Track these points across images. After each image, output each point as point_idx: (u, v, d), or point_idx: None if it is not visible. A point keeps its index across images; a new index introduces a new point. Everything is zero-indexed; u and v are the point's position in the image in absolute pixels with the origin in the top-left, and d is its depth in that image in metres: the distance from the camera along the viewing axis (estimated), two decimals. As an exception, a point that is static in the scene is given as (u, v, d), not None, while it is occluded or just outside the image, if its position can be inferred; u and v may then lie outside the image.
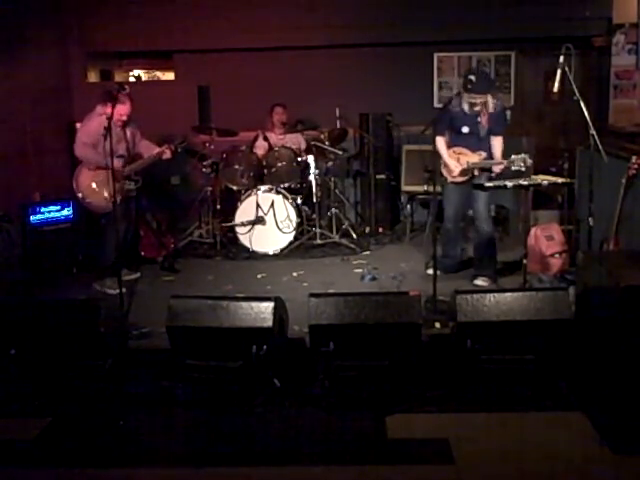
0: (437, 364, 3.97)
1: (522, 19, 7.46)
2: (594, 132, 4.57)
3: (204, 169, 6.79)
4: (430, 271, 5.17)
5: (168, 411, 3.74)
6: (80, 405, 3.78)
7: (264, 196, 6.56)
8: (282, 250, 6.53)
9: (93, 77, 8.40)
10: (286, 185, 6.67)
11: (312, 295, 3.92)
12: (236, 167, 6.71)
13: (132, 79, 9.39)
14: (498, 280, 5.40)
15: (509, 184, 4.70)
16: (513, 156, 4.92)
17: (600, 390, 3.64)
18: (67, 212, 6.12)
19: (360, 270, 5.90)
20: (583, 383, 3.76)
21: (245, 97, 7.59)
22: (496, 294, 3.92)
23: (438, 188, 5.13)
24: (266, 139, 7.01)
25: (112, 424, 3.60)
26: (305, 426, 3.55)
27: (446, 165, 5.33)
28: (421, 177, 6.79)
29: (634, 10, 7.22)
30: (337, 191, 7.20)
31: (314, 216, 6.74)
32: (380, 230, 7.37)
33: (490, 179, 5.15)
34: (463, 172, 5.28)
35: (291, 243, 6.55)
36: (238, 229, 6.57)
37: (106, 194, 5.45)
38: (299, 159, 6.73)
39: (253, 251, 6.53)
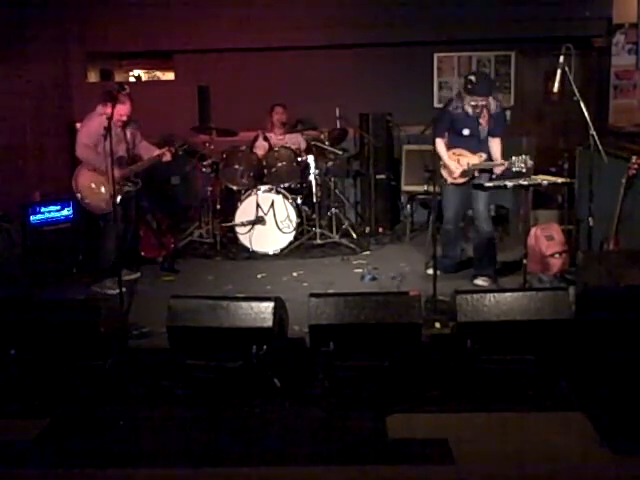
0: (437, 364, 3.97)
1: (522, 19, 7.47)
2: (594, 132, 4.57)
3: (204, 169, 6.79)
4: (430, 271, 5.17)
5: (168, 411, 3.73)
6: (80, 405, 3.78)
7: (264, 196, 6.56)
8: (282, 250, 6.53)
9: (93, 77, 8.41)
10: (286, 185, 6.67)
11: (312, 295, 3.92)
12: (236, 167, 6.71)
13: (132, 79, 9.40)
14: (498, 280, 5.40)
15: (509, 184, 4.70)
16: (514, 157, 4.92)
17: (600, 390, 3.63)
18: (67, 212, 6.11)
19: (360, 270, 5.90)
20: (583, 383, 3.76)
21: (245, 97, 7.60)
22: (496, 294, 3.92)
23: (438, 188, 5.14)
24: (266, 139, 7.01)
25: (112, 424, 3.60)
26: (305, 426, 3.55)
27: (446, 166, 5.33)
28: (421, 177, 6.81)
29: (634, 10, 7.22)
30: (337, 191, 7.20)
31: (314, 216, 6.74)
32: (380, 230, 7.38)
33: (490, 179, 5.16)
34: (463, 173, 5.28)
35: (291, 243, 6.55)
36: (238, 229, 6.57)
37: (105, 195, 5.44)
38: (299, 159, 6.73)
39: (253, 251, 6.53)
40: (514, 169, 4.90)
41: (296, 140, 7.20)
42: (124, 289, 4.79)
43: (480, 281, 5.36)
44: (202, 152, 6.85)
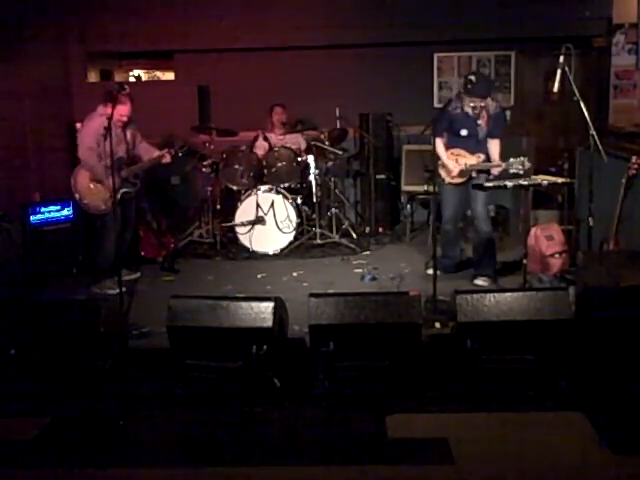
0: (437, 364, 3.97)
1: (522, 19, 7.47)
2: (594, 132, 4.57)
3: (204, 169, 6.79)
4: (430, 271, 5.17)
5: (168, 411, 3.73)
6: (80, 405, 3.78)
7: (264, 196, 6.56)
8: (282, 250, 6.53)
9: (93, 77, 8.40)
10: (286, 185, 6.68)
11: (312, 295, 3.92)
12: (236, 167, 6.71)
13: (132, 79, 9.39)
14: (498, 280, 5.40)
15: (509, 184, 4.70)
16: (511, 159, 4.93)
17: (600, 390, 3.63)
18: (67, 212, 6.11)
19: (360, 270, 5.90)
20: (583, 383, 3.76)
21: (245, 97, 7.59)
22: (496, 294, 3.92)
23: (437, 188, 5.14)
24: (266, 139, 7.02)
25: (112, 424, 3.60)
26: (305, 426, 3.55)
27: (444, 166, 5.33)
28: (421, 177, 6.82)
29: (634, 10, 7.22)
30: (337, 191, 7.20)
31: (314, 216, 6.74)
32: (380, 230, 7.38)
33: (488, 180, 5.16)
34: (461, 173, 5.28)
35: (291, 243, 6.55)
36: (238, 229, 6.57)
37: (103, 195, 5.44)
38: (299, 159, 6.73)
39: (253, 251, 6.53)
40: (511, 170, 4.90)
41: (296, 140, 7.20)
42: (124, 289, 4.79)
43: (480, 281, 5.36)
44: (202, 152, 6.86)
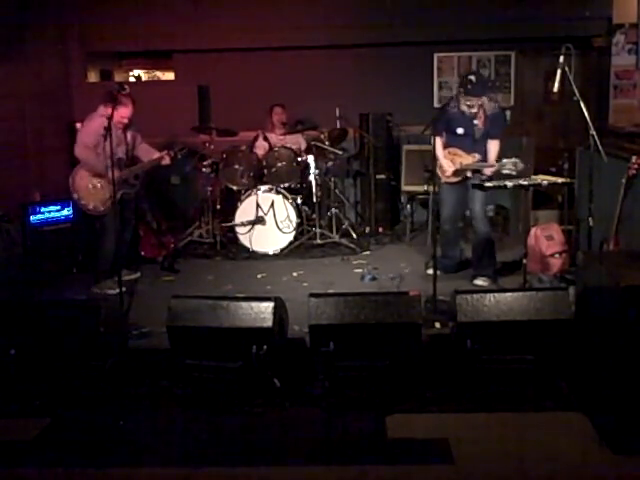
0: (437, 364, 3.97)
1: (522, 19, 7.47)
2: (594, 132, 4.57)
3: (204, 169, 6.79)
4: (430, 271, 5.17)
5: (168, 411, 3.74)
6: (80, 405, 3.78)
7: (264, 196, 6.56)
8: (282, 250, 6.53)
9: (93, 77, 8.41)
10: (286, 185, 6.67)
11: (312, 295, 3.92)
12: (236, 167, 6.71)
13: (132, 79, 9.40)
14: (498, 280, 5.40)
15: (509, 184, 4.70)
16: (504, 160, 4.94)
17: (600, 390, 3.63)
18: (67, 212, 6.12)
19: (360, 270, 5.90)
20: (583, 383, 3.76)
21: (245, 97, 7.59)
22: (496, 294, 3.92)
23: (436, 188, 5.14)
24: (266, 139, 7.02)
25: (112, 424, 3.60)
26: (305, 426, 3.55)
27: (440, 165, 5.35)
28: (421, 177, 6.82)
29: (634, 10, 7.22)
30: (337, 191, 7.20)
31: (314, 216, 6.74)
32: (380, 230, 7.38)
33: (490, 179, 5.16)
34: (456, 173, 5.30)
35: (291, 243, 6.55)
36: (238, 229, 6.57)
37: (101, 196, 5.44)
38: (299, 159, 6.73)
39: (253, 251, 6.53)
40: (504, 171, 4.91)
41: (296, 140, 7.20)
42: (124, 289, 4.79)
43: (480, 281, 5.36)
44: (202, 152, 6.85)
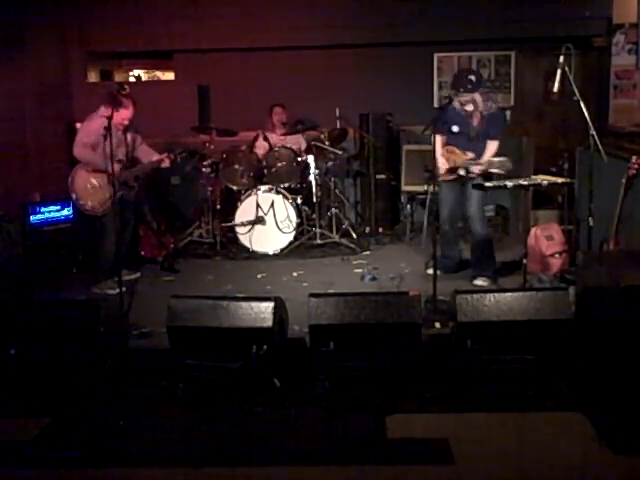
0: (437, 364, 3.97)
1: (522, 19, 7.47)
2: (594, 132, 4.57)
3: (204, 169, 6.79)
4: (430, 271, 5.17)
5: (168, 411, 3.74)
6: (80, 405, 3.78)
7: (264, 196, 6.56)
8: (282, 250, 6.53)
9: (93, 77, 8.41)
10: (286, 185, 6.67)
11: (312, 295, 3.92)
12: (236, 167, 6.71)
13: (132, 79, 9.40)
14: (498, 280, 5.40)
15: (509, 184, 4.70)
16: (494, 159, 4.96)
17: (600, 390, 3.63)
18: (67, 212, 6.11)
19: (360, 270, 5.90)
20: (583, 383, 3.76)
21: (245, 97, 7.60)
22: (496, 294, 3.92)
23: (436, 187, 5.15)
24: (266, 139, 7.01)
25: (112, 424, 3.60)
26: (305, 426, 3.55)
27: (436, 163, 5.37)
28: (421, 177, 6.80)
29: (634, 10, 7.22)
30: (337, 191, 7.20)
31: (314, 216, 6.74)
32: (380, 230, 7.38)
33: (489, 178, 5.16)
34: (449, 171, 5.31)
35: (291, 243, 6.55)
36: (238, 229, 6.57)
37: (100, 198, 5.43)
38: (299, 159, 6.73)
39: (253, 251, 6.53)
40: (492, 170, 4.94)
41: (296, 140, 7.20)
42: (124, 289, 4.79)
43: (479, 281, 5.35)
44: (202, 152, 6.85)
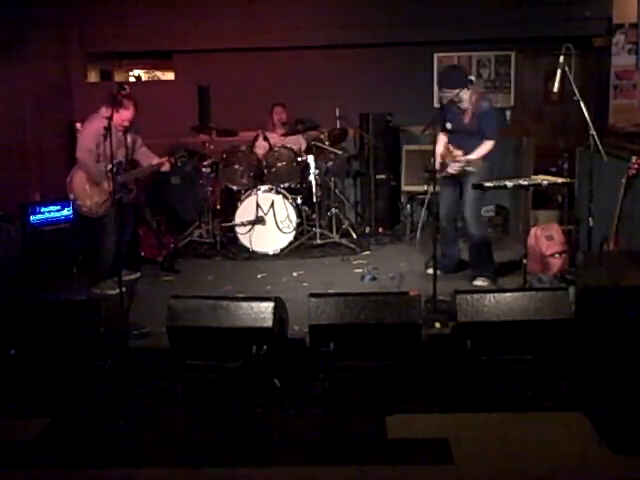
0: (437, 364, 3.97)
1: (522, 19, 7.47)
2: (594, 132, 4.57)
3: (204, 169, 6.79)
4: (430, 271, 5.17)
5: (168, 411, 3.74)
6: (80, 405, 3.77)
7: (264, 196, 6.56)
8: (282, 250, 6.53)
9: (93, 77, 8.41)
10: (286, 185, 6.68)
11: (312, 295, 3.92)
12: (236, 167, 6.72)
13: (132, 79, 9.41)
14: (498, 280, 5.39)
15: (509, 184, 4.71)
16: (471, 156, 5.11)
17: (600, 390, 3.63)
18: (67, 212, 6.11)
19: (360, 270, 5.90)
20: (583, 383, 3.76)
21: (245, 97, 7.59)
22: (496, 294, 3.92)
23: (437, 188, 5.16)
24: (266, 139, 7.01)
25: (112, 424, 3.60)
26: (305, 426, 3.55)
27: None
28: (421, 177, 6.80)
29: (634, 10, 7.23)
30: (337, 191, 7.20)
31: (314, 216, 6.74)
32: (380, 230, 7.38)
33: (488, 179, 5.17)
34: (442, 166, 5.34)
35: (291, 243, 6.55)
36: (238, 229, 6.57)
37: (98, 199, 5.43)
38: (299, 159, 6.73)
39: (253, 251, 6.53)
40: (467, 169, 5.10)
41: (297, 140, 7.20)
42: (124, 289, 4.79)
43: (479, 282, 5.35)
44: (202, 152, 6.85)
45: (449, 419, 3.54)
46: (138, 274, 5.90)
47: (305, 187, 6.83)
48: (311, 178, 6.73)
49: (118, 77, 9.03)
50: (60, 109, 7.62)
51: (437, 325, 4.34)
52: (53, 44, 7.61)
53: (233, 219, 6.60)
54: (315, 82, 7.65)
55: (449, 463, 3.13)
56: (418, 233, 6.59)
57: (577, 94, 4.58)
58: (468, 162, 5.06)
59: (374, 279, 5.65)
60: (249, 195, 6.59)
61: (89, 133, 5.36)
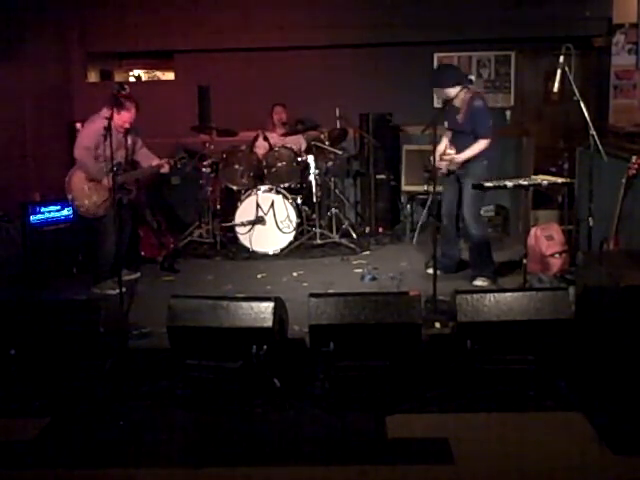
0: (437, 364, 3.97)
1: (522, 19, 7.48)
2: (594, 132, 4.57)
3: (204, 169, 6.79)
4: (430, 270, 5.18)
5: (168, 411, 3.73)
6: (80, 405, 3.77)
7: (264, 196, 6.56)
8: (282, 250, 6.53)
9: (93, 77, 8.41)
10: (286, 185, 6.68)
11: (312, 295, 3.92)
12: (236, 167, 6.72)
13: (132, 79, 9.40)
14: (498, 280, 5.40)
15: (509, 184, 4.71)
16: (454, 155, 5.25)
17: (600, 390, 3.63)
18: (67, 212, 6.11)
19: (360, 270, 5.90)
20: (583, 383, 3.76)
21: (245, 97, 7.60)
22: (496, 294, 3.92)
23: (438, 188, 5.16)
24: (266, 139, 7.01)
25: (112, 424, 3.60)
26: (305, 426, 3.55)
27: None
28: (421, 177, 6.83)
29: (634, 10, 7.23)
30: (337, 191, 7.20)
31: (314, 216, 6.74)
32: (380, 230, 7.38)
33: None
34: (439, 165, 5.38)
35: (291, 243, 6.55)
36: (238, 229, 6.58)
37: (96, 200, 5.42)
38: (299, 159, 6.73)
39: (253, 251, 6.53)
40: (451, 168, 5.22)
41: (297, 140, 7.20)
42: (124, 289, 4.79)
43: (479, 282, 5.36)
44: (202, 152, 6.85)
45: (449, 419, 3.54)
46: (138, 274, 5.91)
47: (305, 187, 6.83)
48: (311, 178, 6.73)
49: (118, 77, 9.03)
50: (60, 109, 7.62)
51: (437, 325, 4.34)
52: (53, 44, 7.61)
53: (233, 219, 6.60)
54: (315, 82, 7.66)
55: (449, 463, 3.13)
56: (416, 232, 6.59)
57: (577, 94, 4.58)
58: (450, 161, 5.09)
59: (374, 279, 5.66)
60: (249, 195, 6.59)
61: (89, 133, 5.36)
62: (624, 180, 4.74)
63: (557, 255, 5.47)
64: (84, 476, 3.18)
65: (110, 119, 4.85)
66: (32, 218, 5.95)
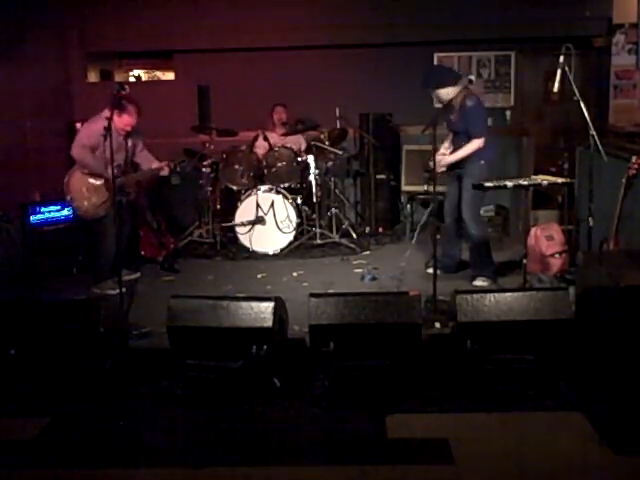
0: (437, 364, 3.97)
1: (522, 19, 7.47)
2: (594, 132, 4.57)
3: (204, 169, 6.79)
4: (430, 270, 5.18)
5: (168, 411, 3.73)
6: (80, 405, 3.77)
7: (264, 196, 6.56)
8: (282, 250, 6.53)
9: (93, 77, 8.41)
10: (286, 185, 6.68)
11: (312, 295, 3.92)
12: (236, 167, 6.72)
13: (132, 79, 9.39)
14: (498, 280, 5.40)
15: (509, 184, 4.71)
16: (446, 155, 5.28)
17: (600, 390, 3.63)
18: (67, 212, 6.11)
19: (360, 270, 5.90)
20: (583, 383, 3.76)
21: (245, 97, 7.60)
22: (496, 294, 3.92)
23: (438, 188, 5.16)
24: (266, 139, 7.01)
25: (112, 424, 3.60)
26: (305, 426, 3.55)
27: None
28: (421, 177, 6.82)
29: (634, 10, 7.23)
30: (337, 191, 7.20)
31: (314, 216, 6.74)
32: (380, 230, 7.38)
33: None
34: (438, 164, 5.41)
35: (291, 243, 6.55)
36: (238, 229, 6.58)
37: (95, 201, 5.42)
38: (299, 159, 6.73)
39: (253, 251, 6.53)
40: (441, 169, 5.24)
41: (297, 140, 7.20)
42: (124, 289, 4.79)
43: (479, 282, 5.36)
44: (202, 152, 6.85)
45: (449, 419, 3.54)
46: (138, 274, 5.91)
47: (305, 187, 6.83)
48: (311, 178, 6.73)
49: (118, 77, 9.02)
50: (60, 109, 7.62)
51: (437, 325, 4.34)
52: (53, 44, 7.61)
53: (233, 219, 6.60)
54: (315, 82, 7.65)
55: (449, 463, 3.13)
56: (416, 232, 6.58)
57: (577, 94, 4.58)
58: (438, 162, 5.10)
59: (374, 279, 5.66)
60: (249, 195, 6.59)
61: (89, 133, 5.36)
62: (624, 180, 4.74)
63: (557, 255, 5.47)
64: (84, 476, 3.18)
65: (110, 119, 4.84)
66: (32, 218, 5.96)
